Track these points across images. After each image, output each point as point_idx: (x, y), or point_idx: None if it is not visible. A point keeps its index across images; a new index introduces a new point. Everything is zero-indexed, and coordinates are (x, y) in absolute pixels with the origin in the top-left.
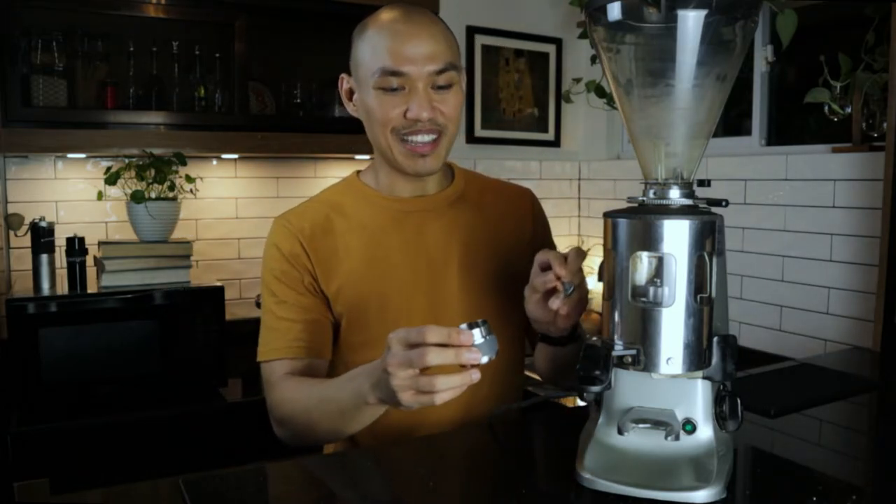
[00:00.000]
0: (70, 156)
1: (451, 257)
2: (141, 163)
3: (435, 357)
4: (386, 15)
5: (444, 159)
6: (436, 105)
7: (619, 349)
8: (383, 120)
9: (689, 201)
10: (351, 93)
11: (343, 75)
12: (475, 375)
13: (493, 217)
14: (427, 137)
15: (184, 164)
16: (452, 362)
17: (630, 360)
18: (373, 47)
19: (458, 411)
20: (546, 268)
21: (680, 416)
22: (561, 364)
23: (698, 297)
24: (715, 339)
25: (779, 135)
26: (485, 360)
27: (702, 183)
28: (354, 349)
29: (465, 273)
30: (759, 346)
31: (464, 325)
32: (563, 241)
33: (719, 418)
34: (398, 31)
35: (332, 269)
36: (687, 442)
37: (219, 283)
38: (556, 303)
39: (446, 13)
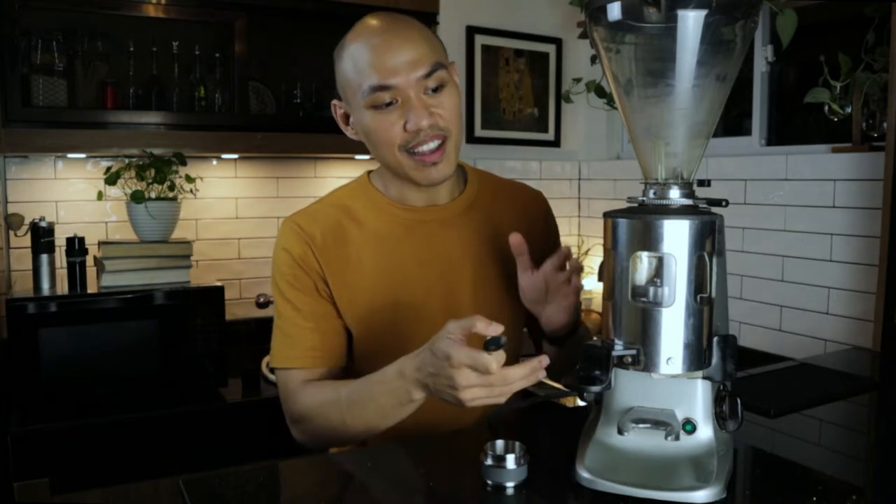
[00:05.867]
0: (70, 156)
1: (465, 267)
2: (141, 163)
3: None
4: (360, 31)
5: (455, 162)
6: (433, 110)
7: (619, 349)
8: (387, 140)
9: (689, 201)
10: (346, 117)
11: (335, 102)
12: (545, 360)
13: (507, 224)
14: (433, 144)
15: (184, 164)
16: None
17: (630, 360)
18: (355, 66)
19: (462, 412)
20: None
21: (680, 416)
22: (564, 362)
23: (698, 297)
24: (715, 339)
25: (779, 135)
26: (510, 485)
27: (702, 183)
28: (365, 358)
29: (478, 283)
30: (759, 346)
31: (500, 442)
32: (563, 242)
33: (719, 418)
34: (376, 44)
35: (344, 279)
36: (687, 442)
37: (219, 283)
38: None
39: (446, 13)
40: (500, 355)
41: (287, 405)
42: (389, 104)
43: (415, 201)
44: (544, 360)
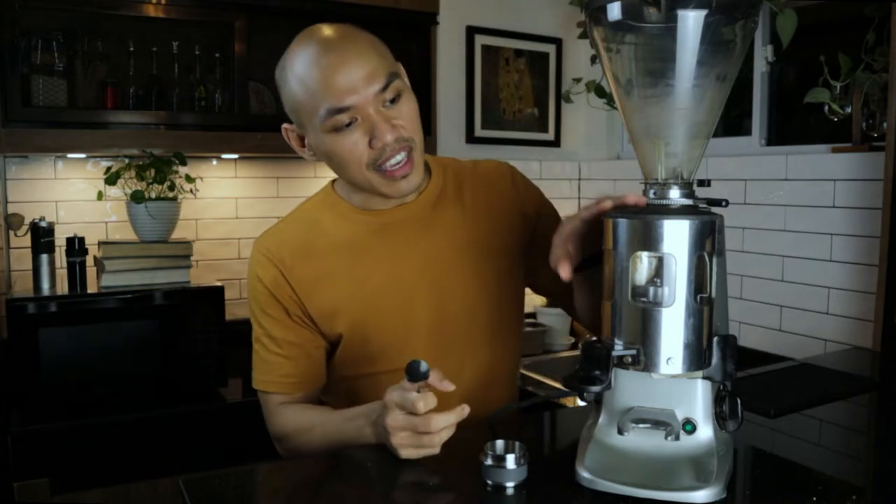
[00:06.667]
0: (70, 156)
1: (445, 261)
2: (141, 163)
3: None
4: (304, 48)
5: (423, 169)
6: (395, 122)
7: (619, 349)
8: (354, 160)
9: (689, 201)
10: (301, 139)
11: (285, 126)
12: (466, 410)
13: (478, 209)
14: (400, 157)
15: (184, 164)
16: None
17: (630, 360)
18: (306, 89)
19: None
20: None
21: (680, 416)
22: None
23: (698, 297)
24: (715, 339)
25: (779, 135)
26: (510, 485)
27: (702, 183)
28: (357, 363)
29: (462, 274)
30: (759, 346)
31: (500, 442)
32: None
33: (719, 418)
34: (325, 64)
35: (320, 294)
36: (687, 442)
37: (219, 283)
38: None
39: (446, 13)
40: (430, 399)
41: (268, 423)
42: (349, 124)
43: (383, 205)
44: (465, 408)
